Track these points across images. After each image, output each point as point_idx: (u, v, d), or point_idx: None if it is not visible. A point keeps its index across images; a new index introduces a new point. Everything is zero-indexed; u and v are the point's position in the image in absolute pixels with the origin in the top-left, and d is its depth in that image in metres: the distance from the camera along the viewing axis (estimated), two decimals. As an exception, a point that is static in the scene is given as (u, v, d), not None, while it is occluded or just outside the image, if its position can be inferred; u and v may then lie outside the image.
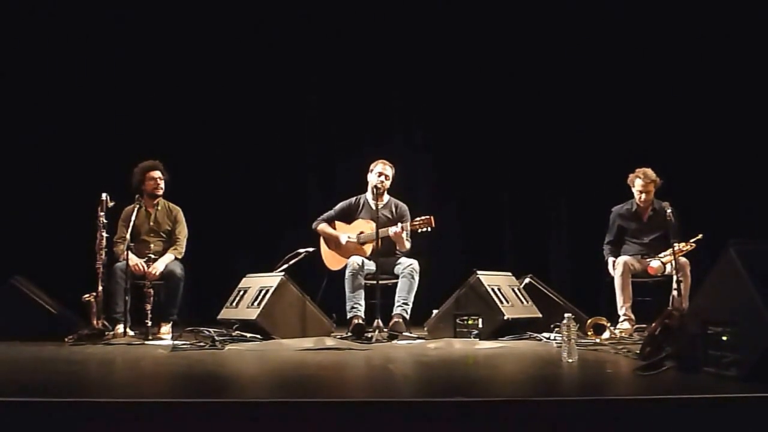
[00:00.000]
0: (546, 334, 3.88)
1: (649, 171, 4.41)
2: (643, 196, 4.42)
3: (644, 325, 4.08)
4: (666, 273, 4.29)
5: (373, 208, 4.26)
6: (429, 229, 4.14)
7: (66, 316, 4.22)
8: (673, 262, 4.10)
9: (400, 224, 4.21)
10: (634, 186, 4.47)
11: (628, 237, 4.56)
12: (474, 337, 3.90)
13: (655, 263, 4.32)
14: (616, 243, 4.57)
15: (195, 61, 5.50)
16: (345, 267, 4.27)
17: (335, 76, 5.65)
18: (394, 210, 4.48)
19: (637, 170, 4.45)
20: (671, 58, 5.45)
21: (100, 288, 4.02)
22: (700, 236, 4.26)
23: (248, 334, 3.87)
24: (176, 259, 4.31)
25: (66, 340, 3.85)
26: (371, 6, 5.56)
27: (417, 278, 4.21)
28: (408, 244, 4.30)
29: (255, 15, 5.60)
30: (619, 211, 4.59)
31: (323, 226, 4.51)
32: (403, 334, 4.01)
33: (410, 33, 5.61)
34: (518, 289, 4.30)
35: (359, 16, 5.57)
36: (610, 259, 4.54)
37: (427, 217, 4.15)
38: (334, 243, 4.47)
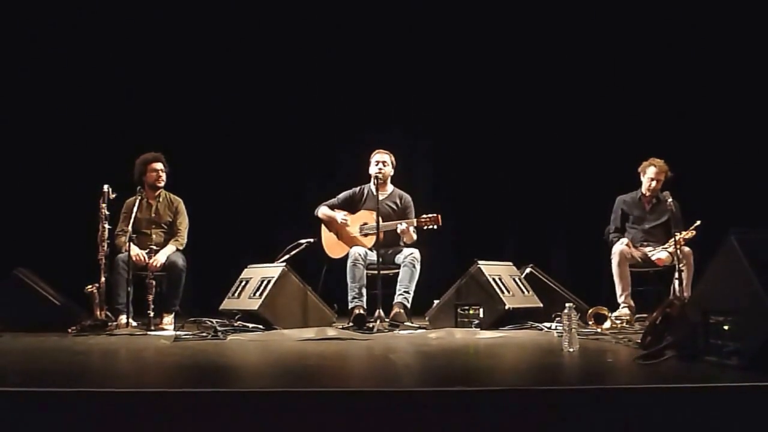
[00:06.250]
0: (547, 324, 3.88)
1: (662, 162, 4.45)
2: (653, 184, 4.45)
3: (645, 315, 4.09)
4: (672, 262, 4.30)
5: (376, 198, 4.25)
6: (435, 227, 4.15)
7: (69, 307, 4.23)
8: (677, 251, 4.11)
9: (405, 222, 4.23)
10: (645, 173, 4.50)
11: (630, 223, 4.60)
12: (475, 327, 3.91)
13: (662, 254, 4.35)
14: (622, 230, 4.59)
15: (195, 53, 5.47)
16: (346, 255, 4.28)
17: (334, 66, 5.62)
18: (398, 201, 4.48)
19: (651, 159, 4.49)
20: (673, 48, 5.42)
21: (103, 279, 4.04)
22: (698, 222, 4.28)
23: (250, 325, 3.88)
24: (178, 250, 4.32)
25: (69, 330, 3.87)
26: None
27: (418, 267, 4.22)
28: (415, 236, 4.31)
29: (255, 5, 5.56)
30: (624, 198, 4.65)
31: (324, 209, 4.51)
32: (405, 324, 4.03)
33: (409, 21, 5.57)
34: (519, 279, 4.30)
35: (360, 7, 5.53)
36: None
37: (435, 215, 4.16)
38: (334, 227, 4.47)
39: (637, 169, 4.54)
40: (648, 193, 4.51)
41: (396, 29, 5.56)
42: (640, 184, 4.56)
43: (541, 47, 5.57)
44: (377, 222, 4.06)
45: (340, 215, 4.42)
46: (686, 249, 4.24)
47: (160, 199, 4.42)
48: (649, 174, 4.46)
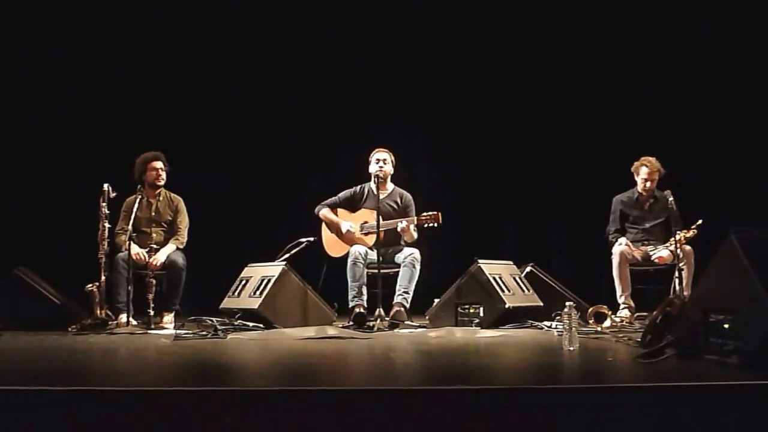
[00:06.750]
0: (547, 323, 3.89)
1: (654, 160, 4.44)
2: (648, 184, 4.46)
3: (645, 313, 4.09)
4: (673, 261, 4.30)
5: (376, 197, 4.25)
6: (435, 225, 4.15)
7: (69, 305, 4.24)
8: (677, 249, 4.11)
9: (405, 220, 4.23)
10: (638, 174, 4.50)
11: (629, 224, 4.60)
12: (475, 326, 3.91)
13: (664, 252, 4.35)
14: (622, 231, 4.59)
15: (195, 53, 5.47)
16: (346, 254, 4.28)
17: (334, 66, 5.61)
18: (399, 200, 4.48)
19: (643, 158, 4.49)
20: (673, 48, 5.41)
21: (103, 278, 4.04)
22: (700, 222, 4.28)
23: (250, 324, 3.89)
24: (178, 249, 4.32)
25: (69, 329, 3.88)
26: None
27: (418, 267, 4.22)
28: (415, 235, 4.31)
29: (255, 5, 5.55)
30: (621, 199, 4.63)
31: (326, 211, 4.51)
32: (405, 322, 4.03)
33: (410, 21, 5.57)
34: (519, 278, 4.31)
35: (360, 7, 5.52)
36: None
37: (435, 213, 4.16)
38: (335, 229, 4.48)
39: (631, 169, 4.55)
40: (644, 193, 4.51)
41: (396, 29, 5.56)
42: (635, 183, 4.56)
43: (541, 47, 5.57)
44: (377, 221, 4.06)
45: (346, 225, 4.40)
46: (687, 248, 4.24)
47: (161, 198, 4.42)
48: (642, 174, 4.47)
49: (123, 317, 3.99)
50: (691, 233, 4.28)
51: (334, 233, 4.50)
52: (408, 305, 4.18)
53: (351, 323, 4.02)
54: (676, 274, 4.09)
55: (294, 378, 2.37)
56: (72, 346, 3.25)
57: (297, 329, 3.74)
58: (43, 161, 5.24)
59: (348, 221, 4.44)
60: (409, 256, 4.23)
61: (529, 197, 5.70)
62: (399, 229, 4.23)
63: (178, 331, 3.79)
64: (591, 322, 3.82)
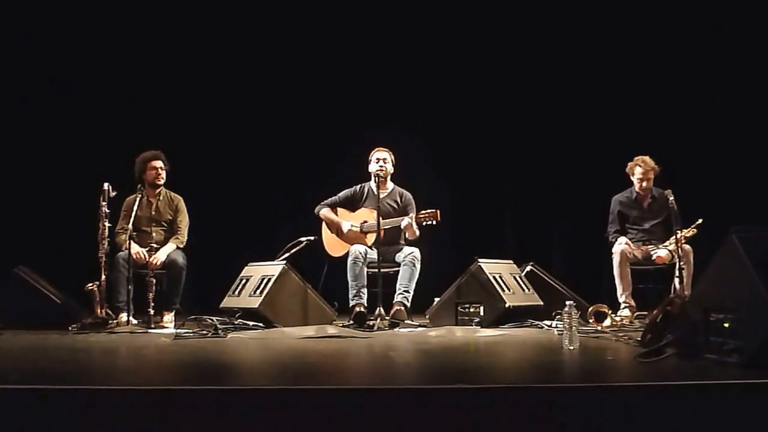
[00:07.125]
0: (547, 322, 3.89)
1: (648, 159, 4.44)
2: (644, 183, 4.45)
3: (645, 312, 4.09)
4: (672, 261, 4.30)
5: (377, 197, 4.24)
6: (434, 222, 4.15)
7: (70, 305, 4.24)
8: (678, 248, 4.11)
9: (406, 219, 4.22)
10: (633, 174, 4.50)
11: (629, 224, 4.59)
12: (475, 325, 3.91)
13: (662, 252, 4.34)
14: (622, 231, 4.58)
15: (195, 53, 5.47)
16: (346, 254, 4.29)
17: (334, 66, 5.61)
18: (399, 199, 4.48)
19: (636, 158, 4.49)
20: (673, 47, 5.41)
21: (103, 277, 4.04)
22: (700, 221, 4.27)
23: (250, 323, 3.89)
24: (178, 248, 4.32)
25: (70, 328, 3.88)
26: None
27: (418, 266, 4.22)
28: (418, 232, 4.30)
29: (255, 4, 5.55)
30: (619, 199, 4.62)
31: (326, 211, 4.52)
32: (405, 322, 4.03)
33: (410, 20, 5.56)
34: (519, 277, 4.31)
35: (360, 7, 5.52)
36: None
37: (433, 210, 4.16)
38: (336, 229, 4.48)
39: (626, 169, 4.54)
40: (641, 192, 4.51)
41: (396, 28, 5.56)
42: (632, 183, 4.56)
43: (541, 46, 5.56)
44: (378, 220, 4.06)
45: (346, 224, 4.40)
46: (686, 247, 4.23)
47: (161, 197, 4.42)
48: (638, 174, 4.47)
49: (123, 316, 4.00)
50: (691, 232, 4.28)
51: (334, 233, 4.50)
52: (408, 304, 4.18)
53: (351, 322, 4.02)
54: (677, 273, 4.08)
55: (294, 377, 2.37)
56: (72, 345, 3.26)
57: (297, 328, 3.74)
58: (43, 161, 5.24)
59: (348, 221, 4.44)
60: (409, 255, 4.23)
61: (529, 196, 5.70)
62: (402, 226, 4.22)
63: (179, 330, 3.80)
64: (591, 321, 3.82)
